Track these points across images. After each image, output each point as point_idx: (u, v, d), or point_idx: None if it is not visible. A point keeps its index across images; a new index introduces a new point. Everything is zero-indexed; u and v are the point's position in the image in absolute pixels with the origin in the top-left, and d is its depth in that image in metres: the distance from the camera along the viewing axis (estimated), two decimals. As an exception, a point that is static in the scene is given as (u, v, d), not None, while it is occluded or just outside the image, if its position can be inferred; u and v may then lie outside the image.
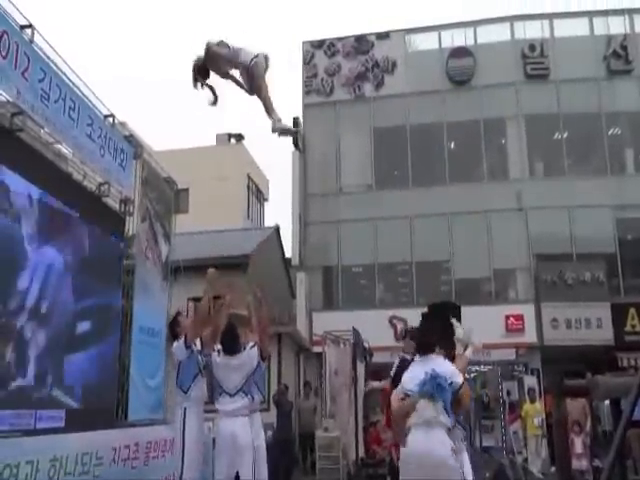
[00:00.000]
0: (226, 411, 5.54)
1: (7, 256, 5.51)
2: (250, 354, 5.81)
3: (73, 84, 6.82)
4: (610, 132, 20.01)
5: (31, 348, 5.79)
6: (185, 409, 5.82)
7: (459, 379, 4.38)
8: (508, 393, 14.23)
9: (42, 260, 6.11)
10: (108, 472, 5.68)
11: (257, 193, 30.12)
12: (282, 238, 24.21)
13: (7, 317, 5.45)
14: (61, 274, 6.46)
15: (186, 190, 23.21)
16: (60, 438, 5.23)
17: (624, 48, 19.91)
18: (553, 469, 12.03)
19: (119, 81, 61.81)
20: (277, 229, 23.77)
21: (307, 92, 21.49)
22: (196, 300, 17.04)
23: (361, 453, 11.93)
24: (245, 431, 5.32)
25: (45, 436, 5.05)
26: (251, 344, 5.94)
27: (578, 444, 10.78)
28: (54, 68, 6.40)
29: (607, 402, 12.65)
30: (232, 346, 5.84)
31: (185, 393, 5.96)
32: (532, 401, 12.89)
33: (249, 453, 5.30)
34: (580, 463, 10.42)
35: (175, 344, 6.14)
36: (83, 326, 6.90)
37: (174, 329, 6.34)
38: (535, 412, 12.45)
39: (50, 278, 6.22)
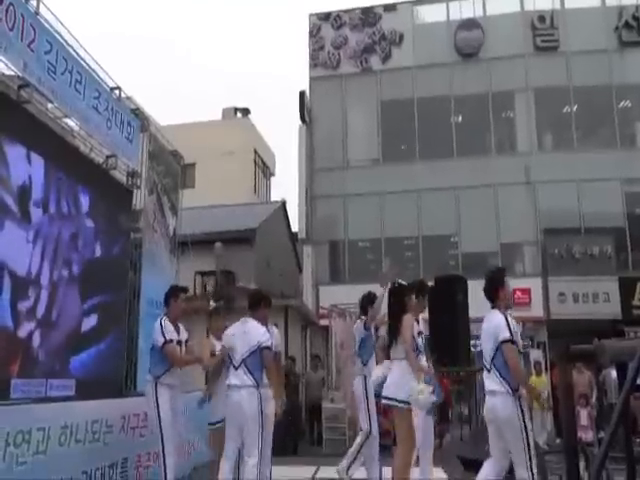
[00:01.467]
0: (232, 382, 5.49)
1: (13, 229, 5.55)
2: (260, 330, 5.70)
3: (79, 56, 6.80)
4: (620, 105, 19.77)
5: (41, 320, 5.87)
6: (156, 384, 5.73)
7: None
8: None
9: (49, 231, 6.16)
10: (117, 439, 5.78)
11: (263, 168, 30.05)
12: (288, 213, 24.26)
13: (19, 289, 5.51)
14: (68, 246, 6.51)
15: (192, 165, 23.18)
16: (70, 406, 5.32)
17: (636, 19, 19.55)
18: (558, 441, 12.12)
19: (119, 44, 61.50)
20: (283, 204, 23.76)
21: (314, 65, 21.30)
22: (203, 274, 17.19)
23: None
24: (251, 400, 5.35)
25: (56, 404, 5.14)
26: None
27: (584, 416, 10.83)
28: (60, 40, 6.38)
29: (614, 375, 12.69)
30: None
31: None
32: (538, 374, 12.95)
33: (255, 422, 5.34)
34: (586, 435, 10.48)
35: (157, 326, 5.89)
36: (92, 300, 6.97)
37: (169, 299, 6.14)
38: (541, 385, 12.50)
39: (58, 251, 6.27)
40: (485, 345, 4.90)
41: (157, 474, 6.43)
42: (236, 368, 5.46)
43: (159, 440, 5.62)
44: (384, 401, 5.77)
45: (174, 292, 6.21)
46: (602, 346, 2.30)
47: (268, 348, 5.51)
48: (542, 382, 12.84)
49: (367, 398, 6.35)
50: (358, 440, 6.27)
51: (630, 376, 1.98)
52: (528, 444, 4.53)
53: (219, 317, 6.21)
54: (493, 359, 4.77)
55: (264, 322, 5.77)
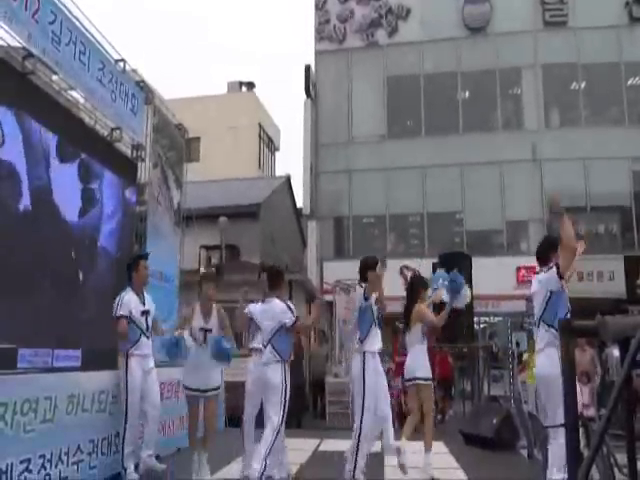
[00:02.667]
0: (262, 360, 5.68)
1: (17, 201, 5.56)
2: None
3: (84, 27, 6.75)
4: (629, 82, 19.54)
5: (47, 291, 5.91)
6: (126, 357, 5.77)
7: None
8: (517, 344, 14.32)
9: (55, 203, 6.17)
10: (123, 410, 5.85)
11: (268, 142, 29.93)
12: (293, 188, 24.23)
13: (24, 260, 5.54)
14: (74, 218, 6.52)
15: (197, 139, 23.12)
16: (77, 376, 5.37)
17: (648, -6, 19.28)
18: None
19: (124, 19, 61.01)
20: (288, 178, 23.72)
21: (319, 39, 21.06)
22: (207, 249, 17.23)
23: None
24: (275, 376, 5.50)
25: (62, 374, 5.20)
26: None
27: (586, 393, 10.89)
28: (65, 11, 6.32)
29: (617, 354, 12.74)
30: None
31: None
32: (534, 351, 13.02)
33: (278, 394, 5.51)
34: (587, 412, 10.54)
35: (117, 299, 5.89)
36: (97, 270, 7.01)
37: (131, 270, 6.07)
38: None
39: (63, 223, 6.28)
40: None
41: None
42: (265, 346, 5.63)
43: (123, 412, 5.67)
44: (408, 383, 6.54)
45: (135, 261, 6.14)
46: (604, 322, 2.29)
47: (291, 325, 5.61)
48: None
49: (364, 380, 5.77)
50: (351, 442, 5.79)
51: (632, 350, 1.97)
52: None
53: (209, 283, 6.12)
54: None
55: (284, 297, 5.83)
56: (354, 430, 5.78)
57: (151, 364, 6.01)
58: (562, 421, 4.58)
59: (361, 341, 5.92)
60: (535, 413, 8.15)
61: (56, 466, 4.65)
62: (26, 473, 4.27)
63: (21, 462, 4.24)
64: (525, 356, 10.59)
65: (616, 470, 4.46)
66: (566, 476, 4.57)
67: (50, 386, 4.67)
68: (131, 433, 5.72)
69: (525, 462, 7.30)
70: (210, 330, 5.92)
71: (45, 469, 4.51)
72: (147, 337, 5.97)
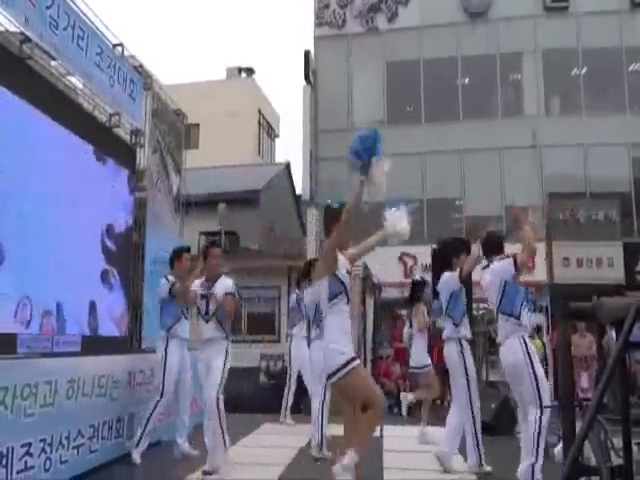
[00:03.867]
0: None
1: (16, 185, 5.55)
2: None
3: (81, 12, 6.71)
4: (630, 68, 19.46)
5: (46, 276, 5.91)
6: (167, 337, 6.11)
7: None
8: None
9: (52, 190, 6.15)
10: (124, 394, 5.90)
11: (268, 129, 29.83)
12: (293, 175, 24.18)
13: (23, 245, 5.53)
14: (72, 204, 6.51)
15: (196, 125, 23.04)
16: (77, 361, 5.39)
17: (649, -21, 19.13)
18: (556, 403, 12.26)
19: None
20: (288, 165, 23.67)
21: (319, 24, 20.92)
22: (207, 235, 17.22)
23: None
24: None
25: (62, 358, 5.21)
26: None
27: (584, 378, 10.94)
28: (62, -6, 6.27)
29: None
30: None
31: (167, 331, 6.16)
32: (531, 338, 13.06)
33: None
34: (585, 395, 10.59)
35: (163, 282, 6.26)
36: (97, 256, 7.01)
37: (173, 261, 6.38)
38: (535, 349, 12.65)
39: (60, 208, 6.27)
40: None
41: (165, 428, 6.57)
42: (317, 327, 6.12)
43: (159, 390, 5.99)
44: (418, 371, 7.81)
45: (178, 253, 6.40)
46: (601, 303, 2.30)
47: None
48: (537, 345, 12.94)
49: (465, 366, 5.88)
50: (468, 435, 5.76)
51: (626, 328, 1.98)
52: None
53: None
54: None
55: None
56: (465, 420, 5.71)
57: (187, 350, 6.32)
58: (533, 405, 4.84)
59: (456, 326, 5.96)
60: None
61: (56, 450, 4.68)
62: (27, 457, 4.30)
63: (22, 446, 4.26)
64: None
65: (612, 453, 4.48)
66: (534, 460, 4.71)
67: (50, 371, 4.69)
68: (165, 407, 6.07)
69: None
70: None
71: (45, 453, 4.53)
72: (187, 319, 6.32)
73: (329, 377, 4.09)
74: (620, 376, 2.41)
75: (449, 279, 6.09)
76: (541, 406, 4.85)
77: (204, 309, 5.63)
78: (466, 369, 5.78)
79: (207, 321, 5.59)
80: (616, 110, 18.89)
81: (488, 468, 5.61)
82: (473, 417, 5.69)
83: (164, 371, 6.01)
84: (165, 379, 6.01)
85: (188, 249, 6.70)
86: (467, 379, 5.75)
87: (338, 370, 3.97)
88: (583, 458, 2.82)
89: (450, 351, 5.91)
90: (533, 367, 4.98)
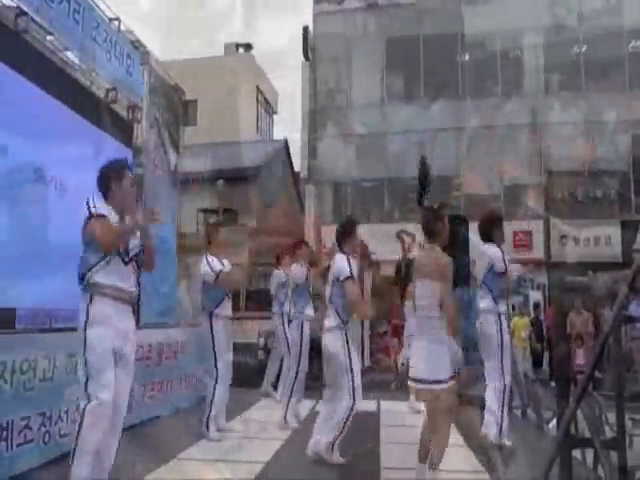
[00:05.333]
0: None
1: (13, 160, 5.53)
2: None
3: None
4: (631, 46, 19.29)
5: (43, 253, 5.91)
6: (210, 317, 6.00)
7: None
8: (513, 308, 14.45)
9: (49, 166, 6.13)
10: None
11: (266, 105, 29.63)
12: (291, 152, 24.10)
13: (20, 222, 5.53)
14: (68, 179, 6.49)
15: (194, 102, 22.86)
16: (76, 336, 5.40)
17: (652, -46, 18.89)
18: (553, 385, 12.37)
19: (124, -12, 59.76)
20: (286, 142, 23.58)
21: (318, 0, 20.70)
22: (205, 212, 17.20)
23: (367, 361, 12.29)
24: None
25: (61, 333, 5.22)
26: None
27: (580, 356, 10.99)
28: (57, -34, 6.19)
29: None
30: None
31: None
32: (522, 315, 13.18)
33: None
34: (581, 369, 10.68)
35: (204, 264, 6.09)
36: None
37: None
38: (523, 326, 12.73)
39: (55, 183, 6.25)
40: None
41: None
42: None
43: (213, 369, 5.89)
44: None
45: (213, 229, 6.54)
46: (596, 277, 2.32)
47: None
48: (524, 323, 13.04)
49: (502, 340, 5.84)
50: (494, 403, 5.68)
51: (619, 300, 2.00)
52: None
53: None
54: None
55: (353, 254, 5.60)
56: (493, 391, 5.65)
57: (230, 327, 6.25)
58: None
59: (495, 301, 5.93)
60: (529, 375, 8.30)
61: (56, 424, 4.71)
62: (26, 430, 4.33)
63: (21, 419, 4.29)
64: (515, 320, 10.76)
65: (607, 428, 4.54)
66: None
67: (49, 346, 4.70)
68: (221, 396, 5.92)
69: (519, 421, 7.42)
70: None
71: (45, 426, 4.56)
72: (229, 298, 6.21)
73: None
74: (615, 349, 2.43)
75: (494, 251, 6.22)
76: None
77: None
78: (502, 341, 5.75)
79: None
80: (616, 88, 18.73)
81: (508, 442, 5.54)
82: (504, 387, 5.65)
83: (215, 355, 5.91)
84: (217, 363, 5.90)
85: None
86: (501, 350, 5.74)
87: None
88: (578, 431, 2.85)
89: (488, 323, 5.88)
90: None
